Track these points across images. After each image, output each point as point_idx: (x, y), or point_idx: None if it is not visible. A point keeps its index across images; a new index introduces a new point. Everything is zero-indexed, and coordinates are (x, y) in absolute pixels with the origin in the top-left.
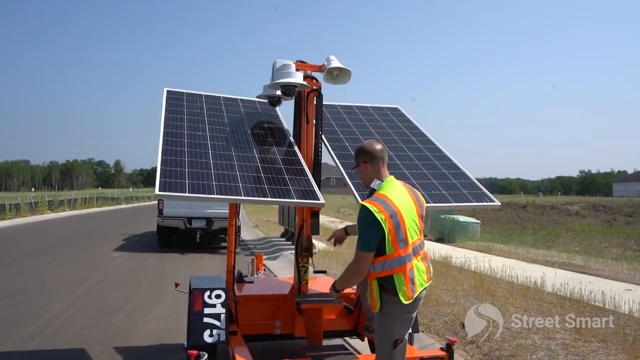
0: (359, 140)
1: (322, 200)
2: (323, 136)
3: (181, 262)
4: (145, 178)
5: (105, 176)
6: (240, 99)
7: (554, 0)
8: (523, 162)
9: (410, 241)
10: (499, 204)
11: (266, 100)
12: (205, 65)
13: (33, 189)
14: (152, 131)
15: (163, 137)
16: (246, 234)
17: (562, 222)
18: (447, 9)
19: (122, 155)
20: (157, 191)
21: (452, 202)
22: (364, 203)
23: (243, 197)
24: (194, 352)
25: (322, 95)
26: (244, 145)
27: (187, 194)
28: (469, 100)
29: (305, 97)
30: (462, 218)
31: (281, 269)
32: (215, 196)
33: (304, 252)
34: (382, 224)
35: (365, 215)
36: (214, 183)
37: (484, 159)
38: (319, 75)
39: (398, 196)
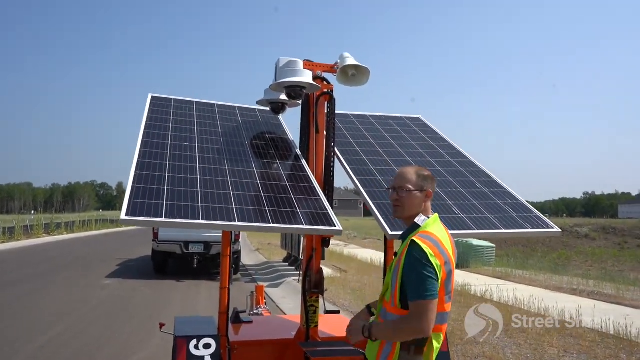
0: (378, 153)
1: (338, 227)
2: (336, 149)
3: (176, 291)
4: None
5: (108, 198)
6: (237, 107)
7: (556, 17)
8: (526, 184)
9: (452, 294)
10: (559, 230)
11: (268, 108)
12: (211, 82)
13: (33, 212)
14: None
15: (140, 147)
16: (247, 259)
17: (572, 245)
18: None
19: (124, 178)
20: (123, 215)
21: (501, 229)
22: (417, 240)
23: (237, 223)
24: None
25: (334, 99)
26: (241, 158)
27: (163, 219)
28: (471, 120)
29: (314, 103)
30: (475, 242)
31: (284, 298)
32: (201, 222)
33: (313, 289)
34: (437, 270)
35: (423, 256)
36: (200, 204)
37: None
38: (331, 78)
39: (445, 239)
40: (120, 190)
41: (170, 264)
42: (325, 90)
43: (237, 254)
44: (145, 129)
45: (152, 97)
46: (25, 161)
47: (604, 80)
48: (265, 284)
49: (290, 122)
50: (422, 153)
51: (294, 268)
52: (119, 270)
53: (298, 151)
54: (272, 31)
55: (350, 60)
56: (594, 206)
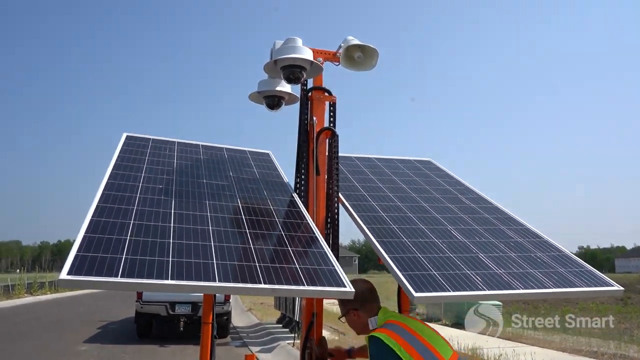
0: (389, 199)
1: (349, 287)
2: (340, 194)
3: (159, 359)
4: None
5: None
6: (225, 147)
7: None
8: None
9: (445, 357)
10: (621, 289)
11: (263, 104)
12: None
13: (18, 271)
14: None
15: (103, 190)
16: (237, 320)
17: (574, 301)
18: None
19: None
20: (64, 274)
21: (552, 288)
22: (372, 333)
23: (218, 284)
24: None
25: (337, 136)
26: (227, 203)
27: (118, 279)
28: (467, 171)
29: (314, 139)
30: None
31: None
32: (170, 282)
33: None
34: (394, 347)
35: (373, 344)
36: (170, 259)
37: None
38: (332, 68)
39: (404, 319)
40: None
41: (155, 325)
42: (325, 127)
43: (226, 316)
44: (113, 169)
45: (127, 137)
46: (13, 218)
47: (594, 133)
48: (257, 349)
49: (284, 161)
50: (439, 198)
51: (288, 330)
52: (100, 333)
53: (295, 195)
54: (271, 34)
55: (355, 41)
56: (591, 260)
